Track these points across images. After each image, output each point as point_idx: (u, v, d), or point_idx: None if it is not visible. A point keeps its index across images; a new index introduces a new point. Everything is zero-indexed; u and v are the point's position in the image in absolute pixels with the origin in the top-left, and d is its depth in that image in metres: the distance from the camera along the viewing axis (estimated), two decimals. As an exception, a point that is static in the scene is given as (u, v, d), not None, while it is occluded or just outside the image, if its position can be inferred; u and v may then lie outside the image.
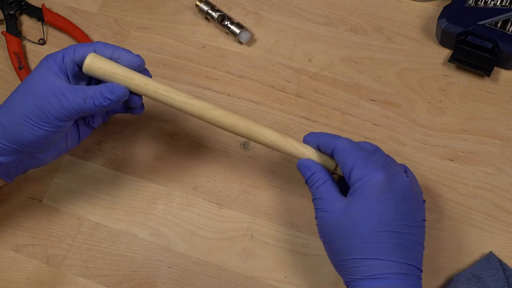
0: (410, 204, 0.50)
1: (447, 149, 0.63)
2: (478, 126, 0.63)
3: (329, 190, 0.52)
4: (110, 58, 0.57)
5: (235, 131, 0.56)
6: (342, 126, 0.65)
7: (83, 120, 0.61)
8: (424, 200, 0.53)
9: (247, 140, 0.66)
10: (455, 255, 0.58)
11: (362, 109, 0.66)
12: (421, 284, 0.50)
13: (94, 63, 0.56)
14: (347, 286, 0.50)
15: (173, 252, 0.62)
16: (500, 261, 0.57)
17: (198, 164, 0.66)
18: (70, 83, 0.56)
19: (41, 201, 0.66)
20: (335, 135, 0.54)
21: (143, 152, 0.67)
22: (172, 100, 0.57)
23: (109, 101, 0.55)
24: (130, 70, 0.57)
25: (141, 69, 0.58)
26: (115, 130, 0.68)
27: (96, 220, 0.64)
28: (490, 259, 0.57)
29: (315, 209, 0.52)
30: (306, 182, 0.54)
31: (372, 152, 0.52)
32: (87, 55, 0.56)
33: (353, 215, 0.49)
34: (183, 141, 0.67)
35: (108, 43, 0.57)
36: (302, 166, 0.55)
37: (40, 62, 0.57)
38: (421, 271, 0.50)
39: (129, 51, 0.57)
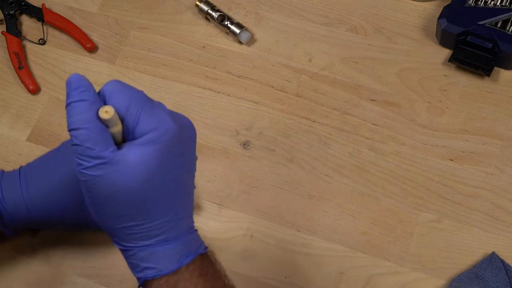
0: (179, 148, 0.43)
1: (447, 149, 0.63)
2: (478, 126, 0.63)
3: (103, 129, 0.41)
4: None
5: None
6: (342, 126, 0.65)
7: None
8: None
9: (247, 140, 0.66)
10: (455, 255, 0.58)
11: (362, 109, 0.66)
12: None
13: None
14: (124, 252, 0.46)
15: (173, 252, 0.62)
16: (502, 261, 0.57)
17: (198, 164, 0.65)
18: None
19: (41, 201, 0.66)
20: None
21: (143, 152, 0.67)
22: None
23: None
24: None
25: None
26: (115, 130, 0.68)
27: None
28: (492, 259, 0.57)
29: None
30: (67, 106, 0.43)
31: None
32: None
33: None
34: None
35: None
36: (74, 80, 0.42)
37: None
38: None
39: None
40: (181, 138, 0.44)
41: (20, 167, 0.57)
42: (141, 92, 0.44)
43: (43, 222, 0.57)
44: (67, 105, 0.42)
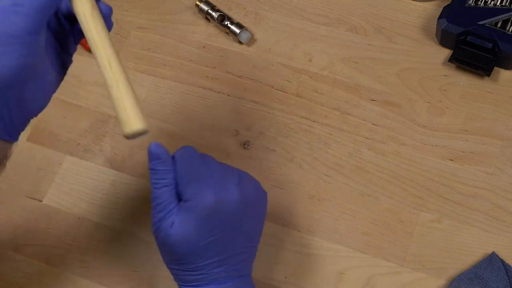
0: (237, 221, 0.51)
1: (447, 149, 0.63)
2: (478, 126, 0.63)
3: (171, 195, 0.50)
4: None
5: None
6: (342, 126, 0.65)
7: (56, 47, 0.53)
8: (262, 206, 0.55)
9: (247, 140, 0.66)
10: (455, 255, 0.58)
11: (362, 109, 0.66)
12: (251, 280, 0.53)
13: None
14: None
15: (173, 252, 0.62)
16: (502, 261, 0.57)
17: (198, 164, 0.66)
18: None
19: (41, 201, 0.66)
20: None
21: (143, 152, 0.67)
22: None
23: None
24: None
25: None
26: (115, 130, 0.68)
27: (96, 220, 0.64)
28: (492, 259, 0.57)
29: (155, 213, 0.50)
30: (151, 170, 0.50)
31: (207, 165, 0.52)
32: None
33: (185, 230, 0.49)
34: (183, 141, 0.67)
35: None
36: (155, 152, 0.50)
37: None
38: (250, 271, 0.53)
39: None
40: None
41: None
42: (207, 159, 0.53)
43: None
44: (149, 168, 0.50)
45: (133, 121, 0.44)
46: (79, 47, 0.74)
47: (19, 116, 0.49)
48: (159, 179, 0.49)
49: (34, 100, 0.50)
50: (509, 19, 0.64)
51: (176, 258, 0.50)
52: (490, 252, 0.58)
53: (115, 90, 0.45)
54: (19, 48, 0.45)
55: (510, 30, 0.63)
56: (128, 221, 0.64)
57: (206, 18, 0.73)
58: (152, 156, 0.49)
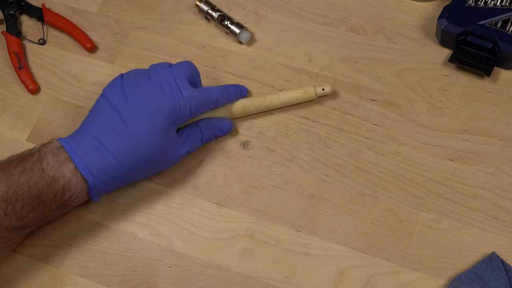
0: None
1: (447, 149, 0.63)
2: (478, 126, 0.63)
3: None
4: None
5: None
6: (342, 126, 0.65)
7: None
8: None
9: (247, 140, 0.66)
10: (455, 255, 0.58)
11: (362, 109, 0.66)
12: None
13: None
14: None
15: (173, 252, 0.62)
16: (502, 261, 0.57)
17: (198, 164, 0.66)
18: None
19: (41, 201, 0.66)
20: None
21: (143, 152, 0.67)
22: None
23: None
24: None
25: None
26: (115, 130, 0.68)
27: (96, 220, 0.64)
28: (492, 259, 0.57)
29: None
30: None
31: None
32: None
33: None
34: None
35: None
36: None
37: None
38: None
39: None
40: None
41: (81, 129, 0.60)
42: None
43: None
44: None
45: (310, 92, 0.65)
46: (79, 47, 0.74)
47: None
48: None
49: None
50: (509, 19, 0.64)
51: None
52: (490, 252, 0.58)
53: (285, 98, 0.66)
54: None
55: (510, 30, 0.63)
56: (128, 221, 0.64)
57: (206, 18, 0.73)
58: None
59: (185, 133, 0.62)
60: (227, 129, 0.65)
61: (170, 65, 0.62)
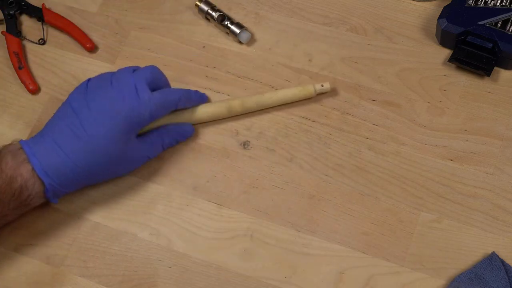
0: None
1: (447, 149, 0.63)
2: (478, 126, 0.63)
3: None
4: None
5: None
6: (342, 126, 0.65)
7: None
8: None
9: (247, 140, 0.66)
10: (455, 255, 0.58)
11: (362, 109, 0.66)
12: None
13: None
14: None
15: (173, 252, 0.62)
16: (502, 261, 0.57)
17: (198, 164, 0.66)
18: None
19: (41, 201, 0.66)
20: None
21: (143, 152, 0.67)
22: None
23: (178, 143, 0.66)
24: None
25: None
26: (115, 130, 0.68)
27: (96, 220, 0.64)
28: (492, 259, 0.57)
29: None
30: None
31: None
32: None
33: None
34: (183, 141, 0.67)
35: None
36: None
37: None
38: None
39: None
40: None
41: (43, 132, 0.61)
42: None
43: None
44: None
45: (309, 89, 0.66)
46: (79, 47, 0.74)
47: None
48: None
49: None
50: (509, 19, 0.64)
51: None
52: (490, 252, 0.58)
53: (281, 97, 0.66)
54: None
55: (510, 30, 0.63)
56: (128, 221, 0.64)
57: (206, 18, 0.73)
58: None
59: (146, 138, 0.63)
60: (188, 134, 0.66)
61: (135, 69, 0.63)
